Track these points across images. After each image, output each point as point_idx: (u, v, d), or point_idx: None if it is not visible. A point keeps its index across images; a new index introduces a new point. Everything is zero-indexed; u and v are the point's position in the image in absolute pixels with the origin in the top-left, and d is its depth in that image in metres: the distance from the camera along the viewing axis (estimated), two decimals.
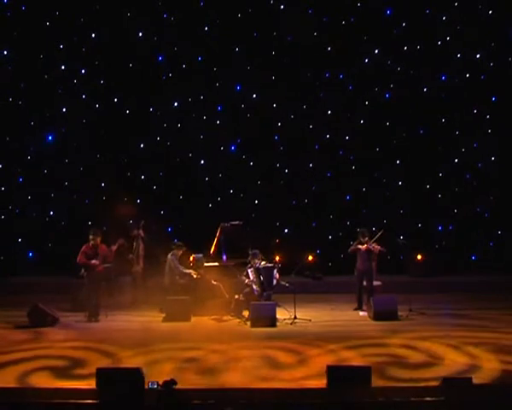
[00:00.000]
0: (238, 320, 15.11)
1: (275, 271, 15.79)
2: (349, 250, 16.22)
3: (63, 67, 20.50)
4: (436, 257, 19.93)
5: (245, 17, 20.51)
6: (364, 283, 16.02)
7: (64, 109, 20.58)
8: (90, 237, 15.09)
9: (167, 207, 20.56)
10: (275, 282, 15.72)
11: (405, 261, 19.57)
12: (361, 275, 16.06)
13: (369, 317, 15.15)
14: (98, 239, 15.14)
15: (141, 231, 17.38)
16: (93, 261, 14.94)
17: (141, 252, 17.33)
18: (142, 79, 20.46)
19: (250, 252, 15.87)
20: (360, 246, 15.95)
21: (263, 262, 15.84)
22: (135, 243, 17.32)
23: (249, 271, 15.69)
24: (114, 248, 15.47)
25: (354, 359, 11.71)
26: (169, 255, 16.32)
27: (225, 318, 15.34)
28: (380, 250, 16.06)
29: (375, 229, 16.55)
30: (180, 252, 16.44)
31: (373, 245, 15.93)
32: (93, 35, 20.56)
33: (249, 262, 15.81)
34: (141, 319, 15.38)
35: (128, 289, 17.40)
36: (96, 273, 15.01)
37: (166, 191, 20.59)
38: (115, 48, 20.31)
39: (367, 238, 16.00)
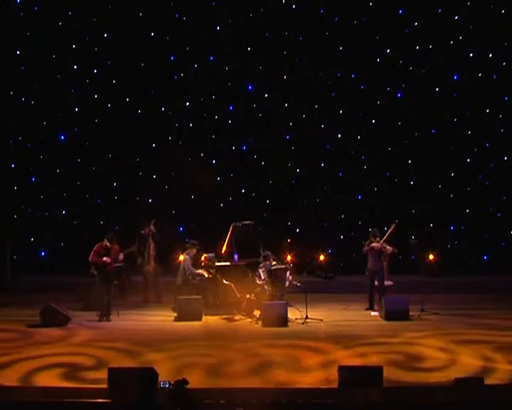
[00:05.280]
0: (249, 320, 15.10)
1: (288, 273, 15.82)
2: (363, 250, 16.16)
3: (75, 67, 20.58)
4: (448, 257, 19.83)
5: (256, 16, 20.50)
6: (376, 282, 16.00)
7: (76, 109, 20.69)
8: (105, 241, 15.09)
9: (179, 207, 20.57)
10: (287, 283, 15.75)
11: (417, 261, 19.50)
12: (372, 275, 16.04)
13: (381, 317, 15.13)
14: (112, 244, 15.16)
15: (152, 227, 17.40)
16: (104, 258, 14.96)
17: (152, 251, 17.36)
18: (153, 79, 20.54)
19: (261, 254, 15.89)
20: (374, 244, 15.92)
21: (274, 263, 15.85)
22: (146, 243, 17.36)
23: (260, 271, 15.69)
24: (125, 253, 15.45)
25: (366, 359, 11.69)
26: (184, 255, 16.35)
27: (236, 317, 15.35)
28: (392, 251, 16.02)
29: (387, 229, 16.51)
30: (194, 250, 16.48)
31: (385, 246, 15.90)
32: (105, 35, 20.65)
33: (261, 262, 15.83)
34: (152, 318, 15.44)
35: (139, 289, 17.46)
36: (107, 272, 15.03)
37: (178, 191, 20.58)
38: (127, 48, 20.36)
39: (378, 238, 15.98)
